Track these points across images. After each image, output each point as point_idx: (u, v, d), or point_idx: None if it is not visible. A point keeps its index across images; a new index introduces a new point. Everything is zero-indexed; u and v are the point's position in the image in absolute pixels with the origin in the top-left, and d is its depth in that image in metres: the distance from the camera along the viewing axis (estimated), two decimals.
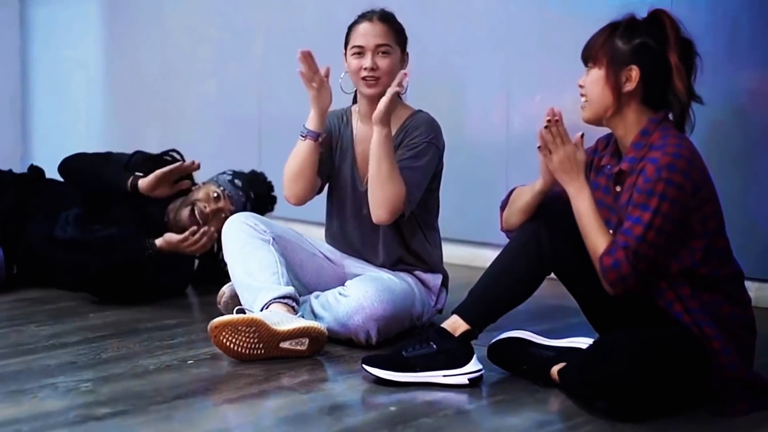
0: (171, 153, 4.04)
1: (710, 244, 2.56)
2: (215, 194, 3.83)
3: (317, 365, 2.95)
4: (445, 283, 3.41)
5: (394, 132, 3.22)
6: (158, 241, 3.66)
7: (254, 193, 3.92)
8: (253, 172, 4.05)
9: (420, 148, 3.20)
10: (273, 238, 3.20)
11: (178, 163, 3.79)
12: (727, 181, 3.40)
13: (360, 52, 3.22)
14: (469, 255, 4.63)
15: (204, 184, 3.93)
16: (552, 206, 2.73)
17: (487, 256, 4.28)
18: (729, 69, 3.79)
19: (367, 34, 3.22)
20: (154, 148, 6.36)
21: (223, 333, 2.90)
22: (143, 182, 3.75)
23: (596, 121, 2.69)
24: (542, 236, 2.71)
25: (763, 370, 2.63)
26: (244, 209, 3.79)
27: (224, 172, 3.98)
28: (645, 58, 2.60)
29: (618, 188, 2.66)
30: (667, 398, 2.52)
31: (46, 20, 7.26)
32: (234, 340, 2.90)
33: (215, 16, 5.95)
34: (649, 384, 2.48)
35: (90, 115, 6.93)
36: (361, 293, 3.10)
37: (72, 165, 3.97)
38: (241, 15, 5.76)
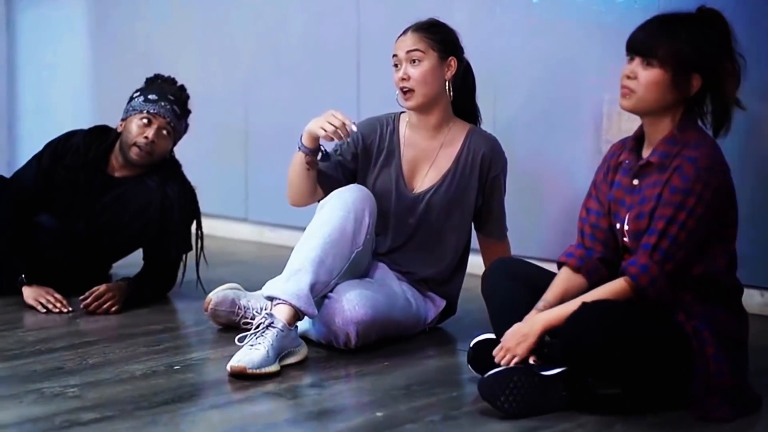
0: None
1: (727, 251, 2.58)
2: (144, 120, 3.68)
3: (304, 371, 2.96)
4: (447, 312, 3.45)
5: (455, 151, 3.31)
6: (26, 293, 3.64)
7: (171, 95, 3.76)
8: (158, 76, 3.89)
9: (502, 185, 3.38)
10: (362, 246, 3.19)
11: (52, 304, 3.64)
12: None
13: (396, 64, 3.28)
14: None
15: (124, 121, 3.77)
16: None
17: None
18: None
19: (400, 46, 3.28)
20: None
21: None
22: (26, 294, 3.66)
23: (637, 113, 2.63)
24: None
25: None
26: (173, 112, 3.71)
27: (131, 98, 3.81)
28: (708, 66, 2.54)
29: (636, 181, 2.64)
30: (645, 366, 2.51)
31: (33, 23, 7.25)
32: None
33: (202, 21, 5.94)
34: (626, 344, 2.47)
35: (77, 119, 6.89)
36: (344, 296, 3.10)
37: None
38: (228, 21, 5.75)
